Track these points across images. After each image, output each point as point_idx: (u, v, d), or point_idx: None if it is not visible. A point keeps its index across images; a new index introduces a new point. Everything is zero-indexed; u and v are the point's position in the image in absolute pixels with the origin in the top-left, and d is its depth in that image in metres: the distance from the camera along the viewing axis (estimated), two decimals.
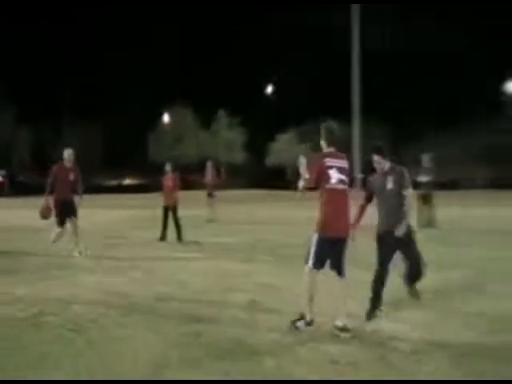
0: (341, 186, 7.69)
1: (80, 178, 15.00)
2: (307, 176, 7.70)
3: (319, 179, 7.64)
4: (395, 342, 7.36)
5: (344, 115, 56.60)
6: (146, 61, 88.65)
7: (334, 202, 7.70)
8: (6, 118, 75.62)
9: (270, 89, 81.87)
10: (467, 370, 6.40)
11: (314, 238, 7.81)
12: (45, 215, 14.85)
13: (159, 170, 21.50)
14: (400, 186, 8.18)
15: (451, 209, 25.79)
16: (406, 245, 8.34)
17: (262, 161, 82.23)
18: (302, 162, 7.84)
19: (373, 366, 6.58)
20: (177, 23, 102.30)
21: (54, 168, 14.81)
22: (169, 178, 19.21)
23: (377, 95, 60.25)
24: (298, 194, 7.99)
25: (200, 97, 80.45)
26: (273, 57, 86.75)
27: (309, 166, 7.72)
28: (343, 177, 7.69)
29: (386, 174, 8.35)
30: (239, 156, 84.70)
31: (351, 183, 8.10)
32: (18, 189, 68.29)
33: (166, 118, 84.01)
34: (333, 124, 8.14)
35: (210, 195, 25.39)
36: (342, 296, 7.91)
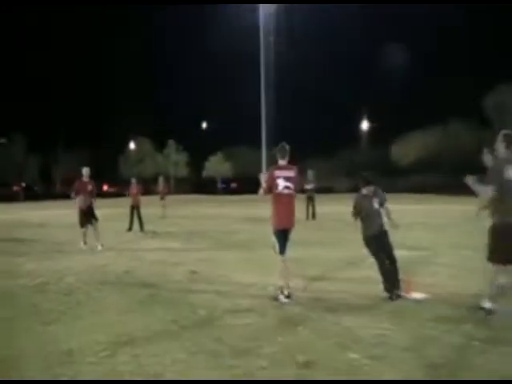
0: (286, 191, 7.56)
1: (95, 188, 14.36)
2: (264, 185, 7.64)
3: (270, 187, 7.56)
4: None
5: (256, 142, 56.99)
6: (112, 106, 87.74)
7: (281, 204, 7.59)
8: (20, 146, 74.79)
9: (204, 124, 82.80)
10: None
11: (273, 232, 7.71)
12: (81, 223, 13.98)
13: (127, 182, 21.61)
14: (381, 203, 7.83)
15: (326, 207, 26.29)
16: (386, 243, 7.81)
17: (200, 174, 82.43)
18: (262, 176, 7.82)
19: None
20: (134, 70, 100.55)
21: (76, 183, 14.13)
22: (134, 187, 19.52)
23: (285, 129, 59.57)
24: (260, 195, 7.83)
25: (155, 131, 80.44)
26: (206, 103, 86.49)
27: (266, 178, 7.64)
28: (288, 184, 7.54)
29: (372, 197, 7.85)
30: (184, 171, 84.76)
31: (299, 187, 7.93)
32: (32, 195, 67.59)
33: (132, 145, 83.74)
34: (285, 144, 7.87)
35: (161, 199, 25.40)
36: (284, 270, 7.67)
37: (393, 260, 7.76)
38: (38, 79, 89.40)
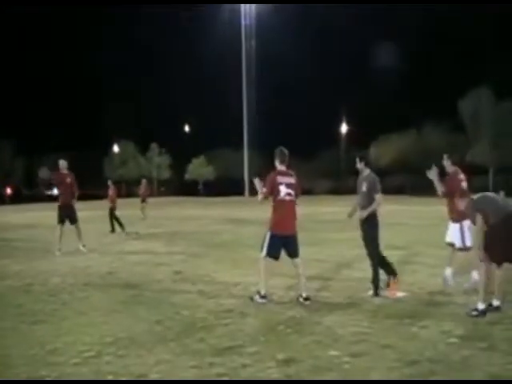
0: (288, 198, 7.40)
1: (75, 182, 13.29)
2: (264, 190, 7.39)
3: (271, 192, 7.37)
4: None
5: (237, 145, 57.12)
6: (96, 109, 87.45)
7: (282, 210, 7.39)
8: (6, 150, 74.86)
9: (187, 127, 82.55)
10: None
11: (268, 234, 7.46)
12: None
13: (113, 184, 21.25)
14: (370, 191, 7.68)
15: (306, 208, 26.40)
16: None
17: (182, 177, 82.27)
18: (257, 181, 7.62)
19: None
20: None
21: (54, 175, 13.65)
22: (111, 190, 19.26)
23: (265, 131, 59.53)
24: (260, 200, 7.56)
25: (139, 134, 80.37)
26: (189, 106, 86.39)
27: (265, 181, 7.48)
28: (290, 190, 7.41)
29: (363, 179, 7.86)
30: (166, 174, 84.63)
31: (300, 194, 7.66)
32: (18, 198, 67.49)
33: (115, 148, 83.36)
34: (283, 148, 7.80)
35: (143, 201, 25.25)
36: (302, 274, 7.54)
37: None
38: (24, 83, 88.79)
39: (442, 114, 57.91)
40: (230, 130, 65.94)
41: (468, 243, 7.79)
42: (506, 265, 6.52)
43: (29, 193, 77.24)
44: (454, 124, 58.70)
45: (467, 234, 7.78)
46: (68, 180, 13.16)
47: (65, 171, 13.32)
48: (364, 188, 7.75)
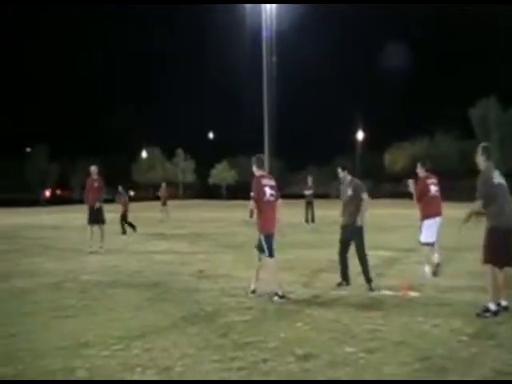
0: (271, 198, 7.58)
1: (104, 186, 13.75)
2: (252, 194, 7.50)
3: (258, 195, 7.48)
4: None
5: (258, 151, 57.23)
6: (126, 118, 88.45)
7: (268, 210, 7.54)
8: (42, 155, 75.76)
9: (211, 134, 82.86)
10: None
11: (263, 237, 7.51)
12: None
13: (140, 188, 21.28)
14: (357, 192, 8.01)
15: (324, 211, 26.26)
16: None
17: (206, 181, 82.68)
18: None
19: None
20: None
21: (87, 181, 13.84)
22: (121, 196, 19.04)
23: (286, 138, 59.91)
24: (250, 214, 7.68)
25: (165, 141, 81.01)
26: (215, 112, 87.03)
27: (251, 186, 7.57)
28: (272, 192, 7.60)
29: (347, 185, 8.21)
30: (191, 178, 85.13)
31: (279, 195, 7.75)
32: (52, 201, 68.37)
33: (143, 153, 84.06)
34: (261, 155, 8.22)
35: (163, 204, 25.24)
36: (275, 272, 7.58)
37: (359, 254, 8.03)
38: (58, 93, 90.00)
39: (453, 122, 57.51)
40: (251, 137, 66.03)
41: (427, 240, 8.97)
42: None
43: (63, 195, 78.01)
44: (465, 131, 58.22)
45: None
46: (95, 185, 13.53)
47: (95, 177, 13.70)
48: (350, 192, 8.06)
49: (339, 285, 8.16)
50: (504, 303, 6.43)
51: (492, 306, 6.26)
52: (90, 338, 5.58)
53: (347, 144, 71.74)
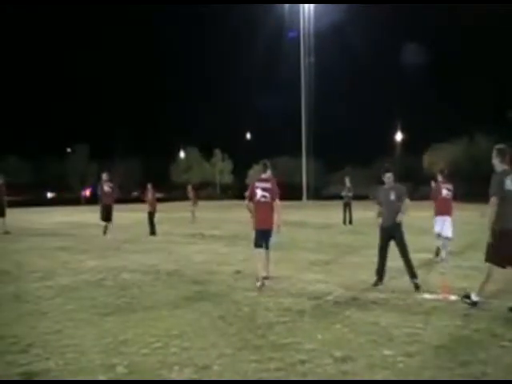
0: (263, 199, 8.54)
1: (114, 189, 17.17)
2: (246, 194, 8.85)
3: (251, 196, 8.66)
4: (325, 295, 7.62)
5: (295, 152, 57.12)
6: (164, 118, 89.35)
7: (258, 209, 8.62)
8: (82, 155, 77.28)
9: (248, 135, 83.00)
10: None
11: (253, 232, 8.81)
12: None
13: (178, 188, 21.30)
14: (399, 197, 8.18)
15: (362, 212, 26.03)
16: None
17: (244, 181, 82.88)
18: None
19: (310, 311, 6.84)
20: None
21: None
22: (149, 193, 18.23)
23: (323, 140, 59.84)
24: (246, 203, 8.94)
25: (203, 141, 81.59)
26: (251, 112, 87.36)
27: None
28: (265, 193, 8.53)
29: (390, 189, 8.34)
30: (228, 178, 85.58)
31: (276, 197, 8.65)
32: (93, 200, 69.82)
33: (181, 154, 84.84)
34: (266, 161, 8.83)
35: (194, 204, 25.24)
36: (267, 260, 8.90)
37: (401, 250, 8.07)
38: (98, 94, 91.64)
39: (493, 123, 56.24)
40: (289, 138, 66.00)
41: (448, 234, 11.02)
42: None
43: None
44: (506, 133, 56.86)
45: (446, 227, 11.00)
46: (105, 188, 16.64)
47: (106, 181, 16.76)
48: (392, 197, 8.21)
49: (375, 284, 8.18)
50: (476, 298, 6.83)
51: (474, 297, 6.78)
52: (130, 336, 5.66)
53: (386, 145, 71.02)
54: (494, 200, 6.52)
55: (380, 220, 8.34)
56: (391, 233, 8.13)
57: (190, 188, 26.93)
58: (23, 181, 72.80)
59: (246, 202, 8.79)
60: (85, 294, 7.94)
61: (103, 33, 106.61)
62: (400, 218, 8.01)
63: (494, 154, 6.75)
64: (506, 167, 6.66)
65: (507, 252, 6.53)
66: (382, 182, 8.54)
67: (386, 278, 8.39)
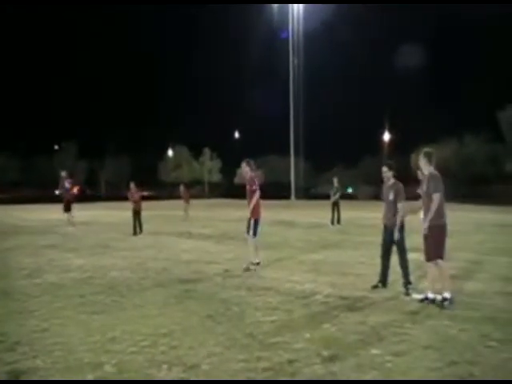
0: (258, 193, 10.05)
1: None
2: (255, 187, 10.04)
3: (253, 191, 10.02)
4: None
5: (284, 151, 57.20)
6: (153, 116, 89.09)
7: (259, 202, 10.17)
8: (70, 153, 76.98)
9: (237, 134, 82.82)
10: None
11: (253, 221, 10.19)
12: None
13: (166, 186, 21.30)
14: (397, 197, 7.88)
15: (350, 212, 26.16)
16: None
17: (232, 180, 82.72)
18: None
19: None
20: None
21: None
22: (133, 192, 17.69)
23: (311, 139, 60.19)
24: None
25: (192, 140, 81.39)
26: (240, 111, 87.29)
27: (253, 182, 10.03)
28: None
29: (389, 187, 8.08)
30: (217, 177, 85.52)
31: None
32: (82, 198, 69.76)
33: (170, 152, 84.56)
34: (250, 160, 10.32)
35: (186, 203, 25.30)
36: (253, 248, 10.19)
37: (400, 259, 7.93)
38: (86, 91, 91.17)
39: (482, 125, 56.57)
40: (277, 138, 66.11)
41: None
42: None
43: (91, 193, 78.79)
44: (494, 135, 57.14)
45: None
46: (66, 185, 19.72)
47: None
48: (391, 196, 7.98)
49: (374, 287, 8.04)
50: (431, 296, 7.10)
51: (446, 295, 6.94)
52: (118, 334, 5.64)
53: (374, 145, 71.19)
54: (439, 196, 6.93)
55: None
56: (391, 234, 7.88)
57: (182, 187, 26.99)
58: (12, 179, 72.50)
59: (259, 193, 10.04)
60: (73, 291, 7.90)
61: (93, 30, 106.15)
62: (397, 223, 7.76)
63: (422, 156, 7.29)
64: (432, 169, 7.18)
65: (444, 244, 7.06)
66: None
67: (374, 276, 8.39)
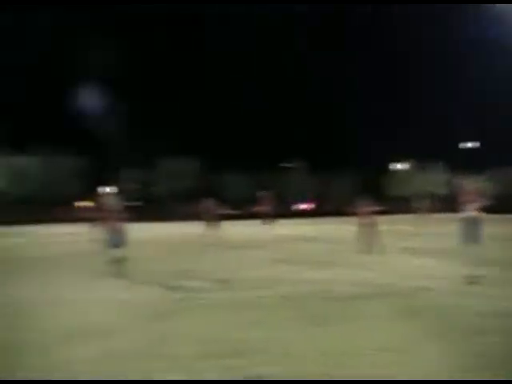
0: None
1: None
2: None
3: None
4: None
5: None
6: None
7: None
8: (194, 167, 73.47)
9: (469, 144, 77.97)
10: None
11: None
12: None
13: (393, 200, 20.76)
14: None
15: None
16: None
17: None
18: None
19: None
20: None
21: None
22: (363, 208, 17.00)
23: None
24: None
25: (416, 153, 79.40)
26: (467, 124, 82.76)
27: None
28: None
29: None
30: (443, 190, 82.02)
31: None
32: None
33: (396, 166, 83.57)
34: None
35: (426, 216, 24.71)
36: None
37: None
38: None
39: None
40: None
41: None
42: None
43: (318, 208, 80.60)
44: None
45: None
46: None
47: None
48: None
49: None
50: None
51: None
52: (347, 348, 5.75)
53: None
54: None
55: None
56: None
57: (426, 201, 26.82)
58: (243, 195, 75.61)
59: None
60: (303, 304, 8.20)
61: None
62: None
63: None
64: None
65: None
66: None
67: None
